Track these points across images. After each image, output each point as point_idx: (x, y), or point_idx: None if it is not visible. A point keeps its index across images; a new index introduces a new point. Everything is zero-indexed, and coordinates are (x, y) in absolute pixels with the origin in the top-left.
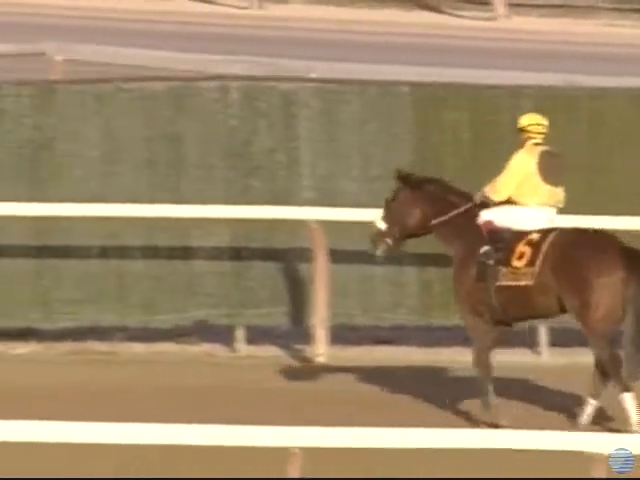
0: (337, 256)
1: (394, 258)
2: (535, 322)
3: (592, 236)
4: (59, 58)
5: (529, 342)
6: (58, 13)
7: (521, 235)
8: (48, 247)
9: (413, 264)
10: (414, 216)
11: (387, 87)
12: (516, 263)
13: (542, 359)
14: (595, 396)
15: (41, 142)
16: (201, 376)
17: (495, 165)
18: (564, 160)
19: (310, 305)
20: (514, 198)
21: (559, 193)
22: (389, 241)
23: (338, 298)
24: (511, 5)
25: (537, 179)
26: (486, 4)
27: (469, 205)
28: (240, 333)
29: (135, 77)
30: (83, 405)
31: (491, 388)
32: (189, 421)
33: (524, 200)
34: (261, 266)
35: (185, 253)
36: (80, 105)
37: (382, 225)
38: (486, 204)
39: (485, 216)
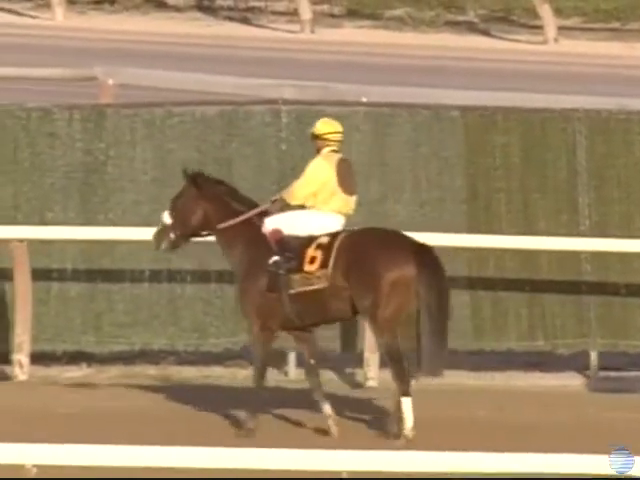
0: None
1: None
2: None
3: (381, 234)
4: (110, 82)
5: (579, 366)
6: (109, 37)
7: (310, 240)
8: (100, 271)
9: (464, 288)
10: (196, 216)
11: (438, 111)
12: (308, 267)
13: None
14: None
15: (92, 166)
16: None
17: (546, 189)
18: (353, 168)
19: (361, 330)
20: (309, 204)
21: (352, 201)
22: (172, 236)
23: None
24: (561, 29)
25: (334, 187)
26: (536, 28)
27: (256, 211)
28: (291, 357)
29: (186, 101)
30: (134, 428)
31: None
32: (239, 445)
33: (319, 207)
34: None
35: (235, 277)
36: (131, 129)
37: (168, 220)
38: (269, 212)
39: (270, 224)
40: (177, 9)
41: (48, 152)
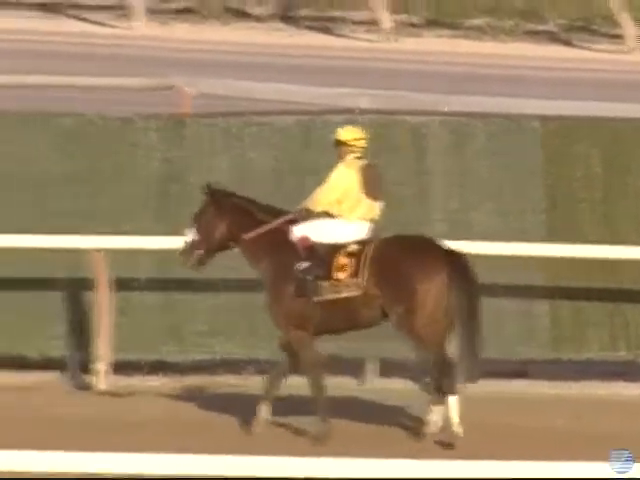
0: None
1: (525, 292)
2: None
3: (413, 241)
4: (189, 91)
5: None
6: (189, 47)
7: (339, 247)
8: (180, 280)
9: (544, 297)
10: (220, 230)
11: (517, 120)
12: (337, 275)
13: None
14: (436, 403)
15: (171, 175)
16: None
17: (628, 199)
18: (381, 173)
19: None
20: (334, 212)
21: (377, 207)
22: (199, 253)
23: None
24: None
25: (358, 193)
26: (616, 37)
27: (282, 220)
28: (371, 366)
29: (264, 111)
30: (214, 437)
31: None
32: (317, 452)
33: (345, 214)
34: None
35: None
36: (210, 138)
37: (192, 238)
38: (296, 220)
39: (298, 232)
40: (258, 19)
41: (127, 161)
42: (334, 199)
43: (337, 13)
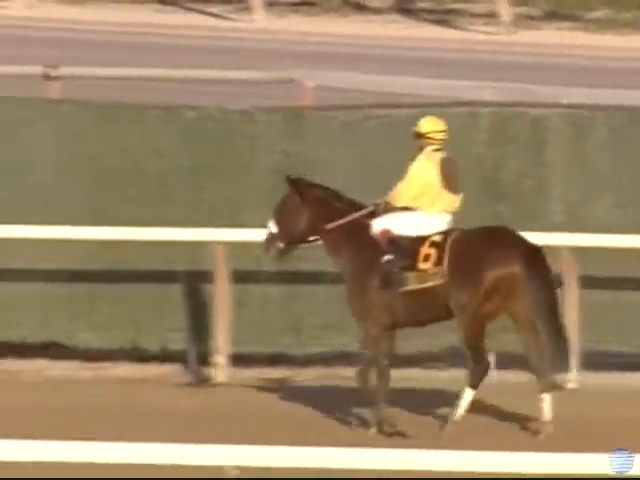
0: (587, 281)
1: None
2: None
3: (492, 233)
4: (308, 84)
5: None
6: (308, 40)
7: (422, 239)
8: (299, 273)
9: None
10: (301, 221)
11: (638, 113)
12: (422, 265)
13: None
14: (474, 386)
15: (290, 168)
16: (444, 404)
17: None
18: (459, 167)
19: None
20: (415, 205)
21: (457, 200)
22: (280, 245)
23: (590, 323)
24: None
25: (438, 186)
26: None
27: (364, 212)
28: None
29: (384, 103)
30: (331, 430)
31: (383, 399)
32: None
33: (425, 207)
34: None
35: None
36: (329, 131)
37: (274, 229)
38: (376, 213)
39: (379, 225)
40: (376, 11)
41: (248, 154)
42: (414, 193)
43: (456, 5)
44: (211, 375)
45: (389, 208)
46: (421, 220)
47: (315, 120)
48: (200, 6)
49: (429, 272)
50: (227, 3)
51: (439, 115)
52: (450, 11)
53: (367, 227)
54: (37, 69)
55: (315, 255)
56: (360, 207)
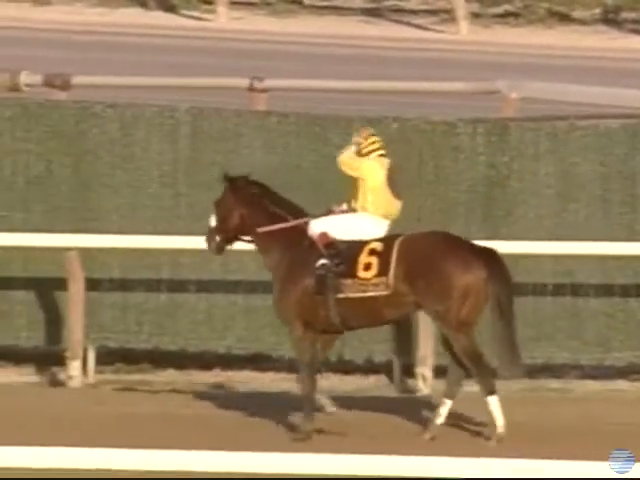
0: None
1: None
2: None
3: (443, 238)
4: (514, 96)
5: None
6: (513, 51)
7: (361, 245)
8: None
9: None
10: (234, 219)
11: None
12: (363, 274)
13: None
14: (450, 396)
15: (495, 180)
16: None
17: None
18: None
19: None
20: (361, 208)
21: (398, 206)
22: (218, 239)
23: None
24: None
25: (386, 190)
26: None
27: (297, 222)
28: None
29: (589, 114)
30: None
31: (313, 406)
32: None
33: (371, 210)
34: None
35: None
36: (534, 143)
37: (213, 223)
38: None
39: (316, 228)
40: (582, 22)
41: (452, 166)
42: (377, 198)
43: None
44: (415, 387)
45: (328, 211)
46: (362, 225)
47: (520, 131)
48: (405, 18)
49: (371, 282)
50: (432, 15)
51: None
52: None
53: (303, 230)
54: (244, 81)
55: (519, 267)
56: (297, 211)
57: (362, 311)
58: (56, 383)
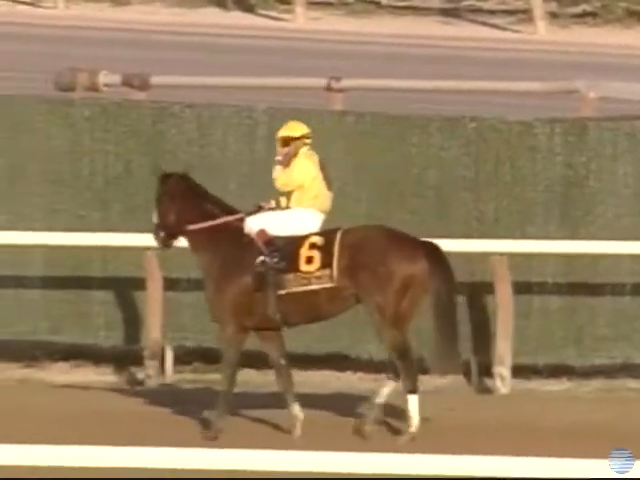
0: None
1: None
2: None
3: (383, 232)
4: (592, 95)
5: None
6: (591, 50)
7: (301, 239)
8: (581, 284)
9: None
10: (170, 216)
11: None
12: (305, 268)
13: None
14: (413, 391)
15: (573, 180)
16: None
17: None
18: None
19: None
20: (294, 203)
21: (330, 199)
22: (161, 235)
23: None
24: None
25: (320, 185)
26: None
27: (238, 217)
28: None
29: None
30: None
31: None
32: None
33: (305, 204)
34: None
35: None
36: (613, 142)
37: (155, 219)
38: (249, 213)
39: (254, 225)
40: None
41: (529, 166)
42: (314, 193)
43: None
44: (493, 386)
45: (261, 208)
46: (298, 219)
47: (598, 131)
48: (482, 17)
49: (314, 274)
50: (510, 15)
51: None
52: None
53: (237, 228)
54: (321, 81)
55: (598, 267)
56: (230, 209)
57: (303, 307)
58: (134, 382)
